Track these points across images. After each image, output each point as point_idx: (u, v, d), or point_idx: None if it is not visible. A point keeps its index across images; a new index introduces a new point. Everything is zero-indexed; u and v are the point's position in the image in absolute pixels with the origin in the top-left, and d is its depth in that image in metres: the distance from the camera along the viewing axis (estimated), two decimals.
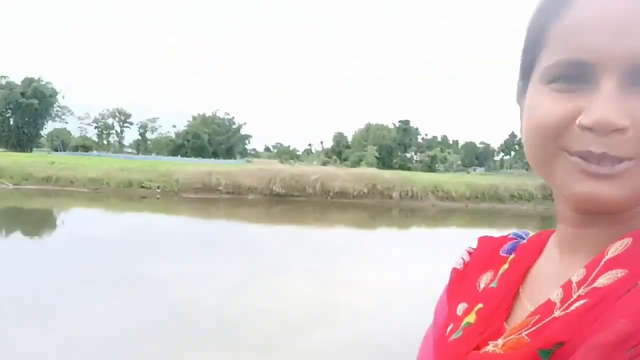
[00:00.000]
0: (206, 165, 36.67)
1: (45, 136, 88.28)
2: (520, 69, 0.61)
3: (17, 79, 79.66)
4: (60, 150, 79.53)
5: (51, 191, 29.33)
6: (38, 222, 20.75)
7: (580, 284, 0.52)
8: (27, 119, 76.57)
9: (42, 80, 78.55)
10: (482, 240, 0.75)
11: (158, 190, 29.21)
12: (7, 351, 6.06)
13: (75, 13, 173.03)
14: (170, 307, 8.16)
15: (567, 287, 0.53)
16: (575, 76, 0.52)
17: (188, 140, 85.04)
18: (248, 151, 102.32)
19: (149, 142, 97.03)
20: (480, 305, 0.63)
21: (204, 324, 7.44)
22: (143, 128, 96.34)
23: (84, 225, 19.37)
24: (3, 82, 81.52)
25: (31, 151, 69.11)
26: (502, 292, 0.63)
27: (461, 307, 0.66)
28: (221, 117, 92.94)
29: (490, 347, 0.55)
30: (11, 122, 78.03)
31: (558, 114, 0.52)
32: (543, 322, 0.52)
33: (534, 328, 0.52)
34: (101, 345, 6.43)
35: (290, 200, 28.06)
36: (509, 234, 0.73)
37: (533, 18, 0.58)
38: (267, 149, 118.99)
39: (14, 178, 30.62)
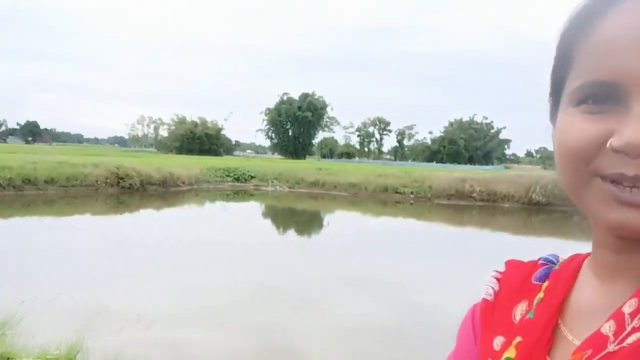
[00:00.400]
0: (460, 171, 36.29)
1: (315, 145, 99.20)
2: (550, 87, 0.59)
3: (295, 95, 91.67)
4: (328, 157, 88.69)
5: (317, 194, 32.67)
6: (307, 221, 23.29)
7: (633, 315, 0.50)
8: (302, 129, 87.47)
9: (315, 95, 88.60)
10: (510, 265, 0.72)
11: (411, 195, 29.80)
12: (283, 335, 6.73)
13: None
14: (414, 310, 8.07)
15: (619, 319, 0.51)
16: (605, 97, 0.50)
17: (444, 146, 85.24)
18: (507, 156, 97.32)
19: (405, 149, 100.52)
20: (519, 339, 0.61)
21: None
22: (400, 135, 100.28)
23: (344, 226, 20.92)
24: (285, 98, 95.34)
25: (304, 158, 78.60)
26: (540, 324, 0.60)
27: (498, 341, 0.64)
28: (478, 121, 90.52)
29: None
30: (290, 133, 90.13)
31: (588, 137, 0.51)
32: (598, 356, 0.50)
33: None
34: (355, 337, 6.65)
35: (552, 210, 25.43)
36: (538, 259, 0.70)
37: (561, 34, 0.56)
38: (529, 153, 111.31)
39: (289, 182, 35.35)
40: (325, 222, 23.37)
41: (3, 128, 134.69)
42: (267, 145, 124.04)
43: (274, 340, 6.63)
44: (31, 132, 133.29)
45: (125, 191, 27.61)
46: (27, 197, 23.27)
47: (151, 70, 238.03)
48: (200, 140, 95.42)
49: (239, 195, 32.80)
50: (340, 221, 23.40)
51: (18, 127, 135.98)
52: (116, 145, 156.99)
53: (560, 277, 0.64)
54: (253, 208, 28.60)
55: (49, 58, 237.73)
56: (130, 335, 5.48)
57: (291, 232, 19.90)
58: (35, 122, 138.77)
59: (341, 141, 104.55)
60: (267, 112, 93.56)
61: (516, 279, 0.69)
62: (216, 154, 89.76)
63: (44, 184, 24.90)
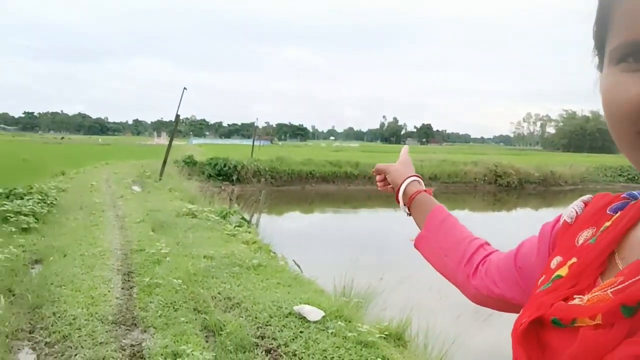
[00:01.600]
0: None
1: None
2: (593, 50, 0.60)
3: None
4: None
5: None
6: None
7: None
8: None
9: None
10: (598, 196, 0.74)
11: None
12: None
13: None
14: None
15: None
16: None
17: None
18: None
19: None
20: (574, 260, 0.64)
21: None
22: None
23: None
24: None
25: None
26: (598, 250, 0.63)
27: (555, 261, 0.67)
28: None
29: (576, 301, 0.58)
30: None
31: (630, 97, 0.51)
32: (630, 281, 0.53)
33: (620, 286, 0.54)
34: None
35: None
36: (623, 193, 0.71)
37: None
38: None
39: None
40: None
41: (403, 131, 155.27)
42: None
43: None
44: (425, 134, 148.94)
45: (503, 189, 27.85)
46: None
47: (538, 66, 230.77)
48: (592, 136, 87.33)
49: None
50: None
51: (415, 129, 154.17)
52: (501, 144, 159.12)
53: (632, 210, 0.65)
54: None
55: (443, 65, 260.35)
56: (467, 322, 5.63)
57: None
58: (429, 124, 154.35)
59: None
60: None
61: (595, 207, 0.71)
62: (610, 151, 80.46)
63: (428, 180, 27.54)
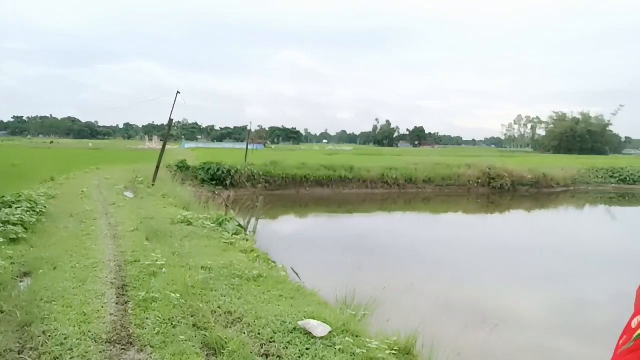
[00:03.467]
0: None
1: None
2: None
3: None
4: None
5: None
6: None
7: None
8: None
9: None
10: None
11: None
12: None
13: None
14: None
15: None
16: None
17: None
18: None
19: None
20: None
21: None
22: None
23: None
24: None
25: None
26: None
27: (636, 321, 0.67)
28: None
29: None
30: None
31: None
32: None
33: None
34: None
35: None
36: None
37: None
38: None
39: None
40: None
41: (396, 134, 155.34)
42: None
43: None
44: (418, 137, 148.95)
45: (496, 191, 27.78)
46: (409, 195, 26.11)
47: (529, 68, 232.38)
48: (582, 138, 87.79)
49: (625, 198, 28.59)
50: None
51: (407, 132, 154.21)
52: (492, 146, 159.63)
53: None
54: None
55: (434, 67, 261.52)
56: (473, 335, 5.45)
57: None
58: (422, 127, 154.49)
59: None
60: None
61: None
62: (600, 152, 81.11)
63: (422, 183, 27.44)
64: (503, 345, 5.94)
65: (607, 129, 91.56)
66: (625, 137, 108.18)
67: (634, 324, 0.66)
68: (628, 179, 32.16)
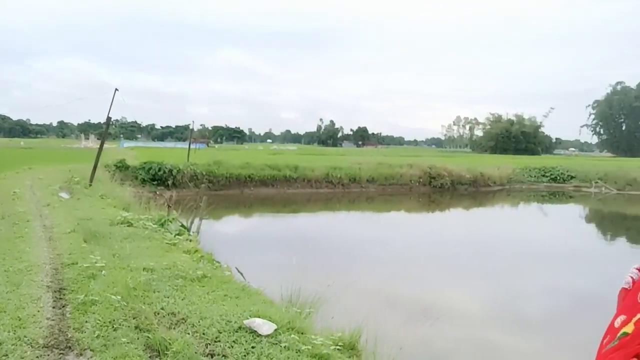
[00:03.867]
0: None
1: None
2: None
3: (632, 83, 78.98)
4: None
5: None
6: None
7: None
8: (639, 123, 74.66)
9: None
10: None
11: None
12: None
13: None
14: None
15: None
16: None
17: None
18: None
19: None
20: (638, 316, 0.65)
21: None
22: None
23: None
24: (618, 87, 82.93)
25: None
26: None
27: (619, 320, 0.69)
28: None
29: None
30: (623, 128, 78.12)
31: None
32: None
33: None
34: None
35: None
36: None
37: None
38: None
39: (617, 183, 30.78)
40: None
41: (340, 134, 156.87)
42: (593, 142, 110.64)
43: None
44: (361, 137, 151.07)
45: (437, 190, 28.63)
46: (353, 194, 26.46)
47: (468, 70, 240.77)
48: (516, 138, 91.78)
49: (555, 196, 30.19)
50: None
51: (351, 132, 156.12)
52: (433, 146, 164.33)
53: None
54: (572, 211, 25.85)
55: (376, 68, 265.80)
56: (415, 329, 5.64)
57: (621, 241, 17.22)
58: (365, 127, 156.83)
59: None
60: (594, 105, 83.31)
61: None
62: (533, 152, 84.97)
63: (366, 182, 27.88)
64: (443, 337, 6.17)
65: (539, 130, 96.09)
66: (556, 138, 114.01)
67: (617, 324, 0.68)
68: (558, 178, 33.93)
